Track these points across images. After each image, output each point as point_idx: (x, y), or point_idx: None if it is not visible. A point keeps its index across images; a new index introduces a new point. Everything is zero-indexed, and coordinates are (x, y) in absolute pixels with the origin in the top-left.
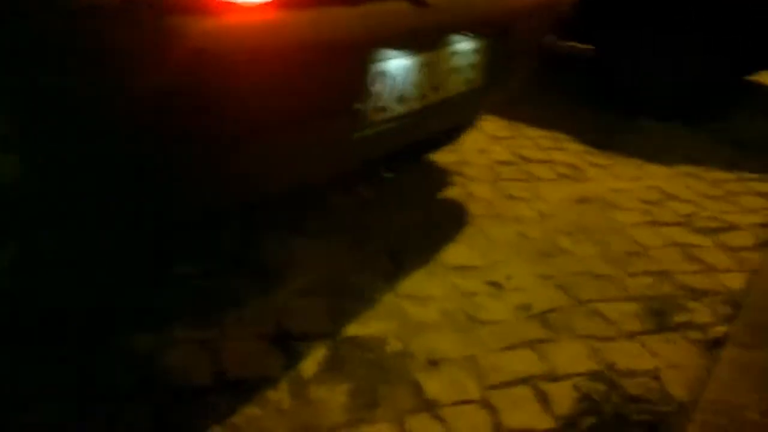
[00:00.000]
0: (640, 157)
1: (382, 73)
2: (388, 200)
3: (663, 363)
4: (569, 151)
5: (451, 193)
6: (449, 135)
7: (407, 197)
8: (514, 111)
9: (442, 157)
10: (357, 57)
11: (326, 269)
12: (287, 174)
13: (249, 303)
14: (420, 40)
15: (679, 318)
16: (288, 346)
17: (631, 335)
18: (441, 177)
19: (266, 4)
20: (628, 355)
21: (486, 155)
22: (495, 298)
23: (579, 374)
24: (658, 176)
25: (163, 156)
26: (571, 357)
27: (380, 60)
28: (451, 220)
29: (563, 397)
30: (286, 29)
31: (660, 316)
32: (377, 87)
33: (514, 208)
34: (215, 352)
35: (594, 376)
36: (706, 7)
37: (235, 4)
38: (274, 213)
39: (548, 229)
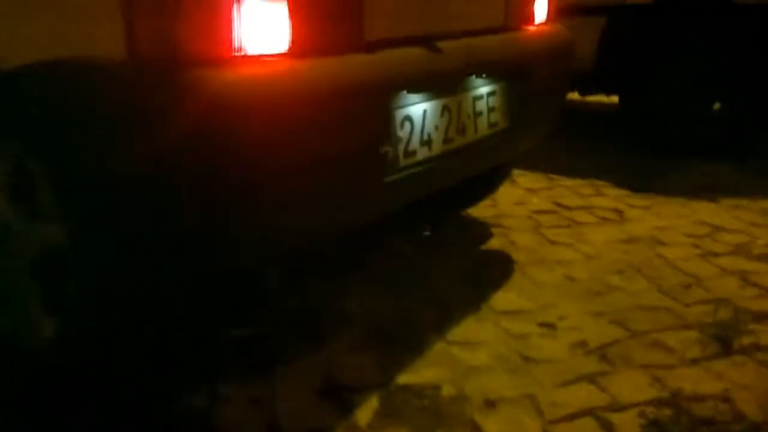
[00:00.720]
0: (682, 196)
1: (406, 118)
2: (430, 254)
3: (732, 385)
4: (609, 196)
5: (493, 243)
6: (485, 187)
7: (448, 250)
8: (548, 164)
9: (480, 211)
10: (376, 101)
11: (373, 322)
12: (321, 221)
13: (298, 359)
14: (438, 83)
15: (744, 341)
16: (341, 398)
17: (695, 361)
18: (480, 230)
19: (283, 54)
20: (694, 381)
21: (524, 206)
22: (548, 338)
23: (643, 403)
24: (703, 212)
25: (193, 210)
26: (633, 387)
27: (402, 104)
28: (495, 268)
29: (629, 425)
30: (303, 77)
31: (723, 341)
32: (402, 131)
33: (558, 253)
34: (268, 407)
35: (659, 402)
36: (737, 43)
37: (250, 56)
38: (319, 270)
39: (595, 269)
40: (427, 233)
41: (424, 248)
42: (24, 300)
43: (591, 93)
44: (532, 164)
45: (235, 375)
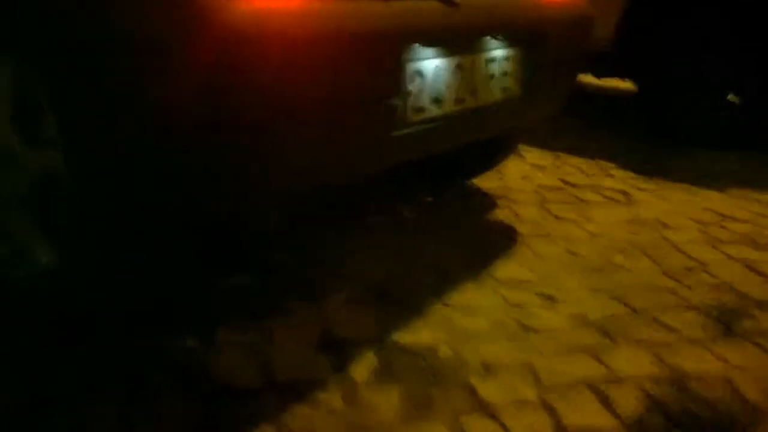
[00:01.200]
0: (690, 182)
1: (418, 72)
2: (432, 221)
3: (732, 367)
4: (616, 177)
5: (497, 214)
6: (490, 157)
7: (451, 218)
8: (557, 142)
9: (485, 183)
10: (389, 51)
11: (372, 281)
12: (327, 167)
13: (295, 312)
14: (453, 40)
15: (746, 325)
16: (337, 351)
17: (696, 341)
18: (485, 200)
19: None
20: (695, 360)
21: (530, 181)
22: (547, 309)
23: (642, 377)
24: (710, 199)
25: (200, 147)
26: (633, 362)
27: (414, 58)
28: (498, 239)
29: (627, 399)
30: (315, 16)
31: (725, 324)
32: (413, 86)
33: (562, 228)
34: (262, 356)
35: (659, 379)
36: (755, 32)
37: None
38: (320, 229)
39: (599, 246)
40: (430, 200)
41: (428, 215)
42: (20, 226)
43: (607, 76)
44: (541, 141)
45: (232, 323)
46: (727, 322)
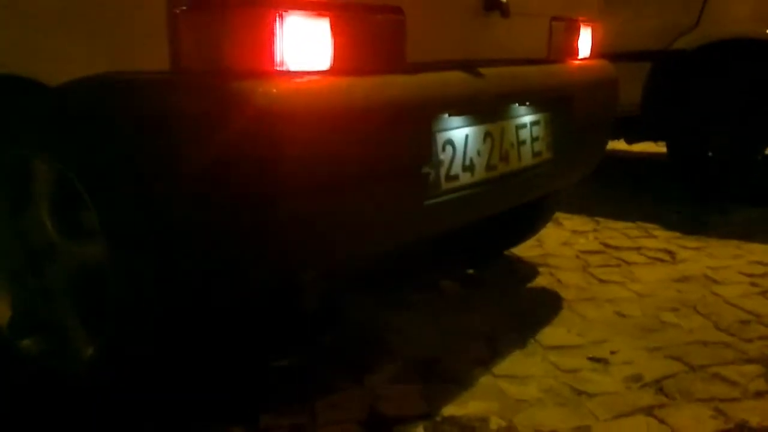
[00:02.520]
0: (735, 238)
1: (448, 141)
2: (475, 293)
3: None
4: (659, 238)
5: (540, 281)
6: (528, 225)
7: (494, 288)
8: (594, 208)
9: (525, 252)
10: (417, 121)
11: (417, 356)
12: (360, 239)
13: (339, 389)
14: (481, 108)
15: None
16: (384, 428)
17: (760, 394)
18: (526, 269)
19: (324, 71)
20: (760, 413)
21: (571, 247)
22: (600, 372)
23: None
24: (758, 252)
25: (240, 226)
26: (695, 419)
27: (443, 128)
28: (542, 305)
29: None
30: (344, 94)
31: None
32: (444, 155)
33: (608, 291)
34: None
35: None
36: None
37: (293, 72)
38: (362, 304)
39: (648, 306)
40: (471, 272)
41: (469, 286)
42: (63, 318)
43: (638, 140)
44: (578, 208)
45: (276, 404)
46: None
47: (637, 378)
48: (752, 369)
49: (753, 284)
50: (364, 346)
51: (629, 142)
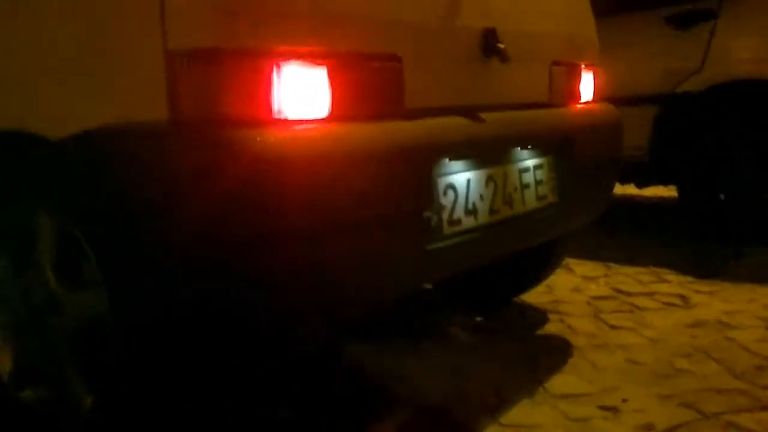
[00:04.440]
0: (749, 281)
1: (449, 186)
2: (484, 340)
3: None
4: (672, 282)
5: (550, 328)
6: (537, 271)
7: (503, 335)
8: (605, 253)
9: (535, 298)
10: (417, 167)
11: (424, 405)
12: (362, 285)
13: None
14: (481, 153)
15: None
16: None
17: None
18: (536, 315)
19: (322, 118)
20: None
21: (581, 293)
22: (611, 421)
23: None
24: None
25: (240, 275)
26: None
27: (444, 172)
28: (552, 353)
29: None
30: (343, 141)
31: None
32: (446, 199)
33: (619, 337)
34: None
35: None
36: None
37: (291, 120)
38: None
39: (661, 352)
40: (479, 319)
41: (478, 333)
42: (63, 369)
43: (648, 185)
44: (589, 254)
45: None
46: None
47: (648, 427)
48: (767, 417)
49: None
50: (370, 395)
51: (639, 186)
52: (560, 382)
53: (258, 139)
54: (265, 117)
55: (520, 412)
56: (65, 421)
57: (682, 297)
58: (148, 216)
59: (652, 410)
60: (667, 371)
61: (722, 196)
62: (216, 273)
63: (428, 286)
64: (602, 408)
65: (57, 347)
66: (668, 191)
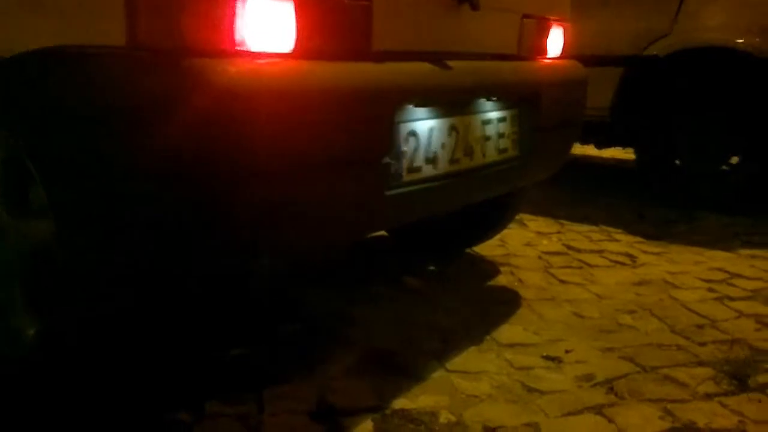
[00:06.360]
0: (697, 245)
1: (411, 132)
2: (435, 288)
3: (749, 421)
4: (621, 242)
5: (501, 280)
6: (491, 224)
7: (454, 285)
8: (559, 210)
9: (488, 251)
10: (380, 110)
11: (373, 349)
12: (320, 226)
13: (291, 380)
14: (446, 101)
15: (759, 379)
16: (332, 420)
17: (709, 396)
18: (488, 267)
19: (286, 53)
20: (708, 415)
21: (534, 248)
22: (554, 370)
23: None
24: (719, 259)
25: (191, 206)
26: (643, 419)
27: (407, 119)
28: (501, 304)
29: None
30: (305, 78)
31: (738, 379)
32: (407, 146)
33: (567, 292)
34: (256, 425)
35: None
36: (755, 96)
37: (253, 53)
38: (321, 297)
39: (606, 308)
40: (433, 269)
41: (431, 282)
42: (7, 299)
43: (607, 146)
44: (543, 210)
45: (224, 393)
46: (740, 376)
47: (589, 377)
48: (703, 371)
49: (711, 290)
50: (320, 337)
51: (599, 147)
52: (507, 332)
53: (218, 69)
54: (226, 48)
55: (466, 359)
56: (6, 354)
57: (631, 256)
58: (98, 143)
59: (594, 362)
60: (611, 326)
61: (678, 162)
62: (166, 205)
63: (384, 232)
64: (546, 358)
65: (2, 274)
66: (625, 153)
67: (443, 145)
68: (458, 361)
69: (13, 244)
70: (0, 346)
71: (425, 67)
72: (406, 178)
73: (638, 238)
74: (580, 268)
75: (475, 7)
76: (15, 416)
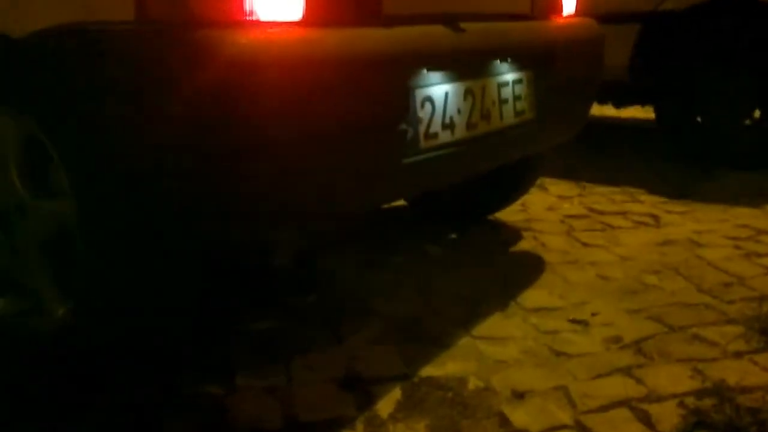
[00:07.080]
0: (721, 202)
1: (427, 98)
2: (458, 256)
3: None
4: (644, 202)
5: (523, 245)
6: (512, 189)
7: (476, 252)
8: (580, 173)
9: (510, 216)
10: (394, 77)
11: (398, 318)
12: (338, 195)
13: (318, 351)
14: (461, 65)
15: None
16: (361, 389)
17: (739, 354)
18: (510, 233)
19: (296, 21)
20: (738, 373)
21: (556, 212)
22: (580, 333)
23: (683, 394)
24: (744, 216)
25: (211, 179)
26: (672, 379)
27: (422, 84)
28: (525, 268)
29: (668, 415)
30: (316, 45)
31: None
32: (423, 112)
33: (591, 255)
34: (285, 397)
35: (701, 393)
36: None
37: (263, 22)
38: (344, 269)
39: (630, 269)
40: (454, 236)
41: (452, 250)
42: (35, 278)
43: (626, 105)
44: (564, 173)
45: (253, 366)
46: None
47: (616, 339)
48: (732, 330)
49: (737, 247)
50: (345, 307)
51: (617, 106)
52: (532, 297)
53: (228, 40)
54: (236, 17)
55: (491, 325)
56: (38, 331)
57: (654, 216)
58: (113, 120)
59: (621, 324)
60: (636, 287)
61: (699, 119)
62: (185, 179)
63: (403, 201)
64: (572, 321)
65: (27, 255)
66: (645, 113)
67: (459, 110)
68: (484, 327)
69: (38, 225)
70: (32, 324)
71: (438, 29)
72: (424, 144)
73: (662, 198)
74: (603, 230)
75: None
76: (47, 391)
